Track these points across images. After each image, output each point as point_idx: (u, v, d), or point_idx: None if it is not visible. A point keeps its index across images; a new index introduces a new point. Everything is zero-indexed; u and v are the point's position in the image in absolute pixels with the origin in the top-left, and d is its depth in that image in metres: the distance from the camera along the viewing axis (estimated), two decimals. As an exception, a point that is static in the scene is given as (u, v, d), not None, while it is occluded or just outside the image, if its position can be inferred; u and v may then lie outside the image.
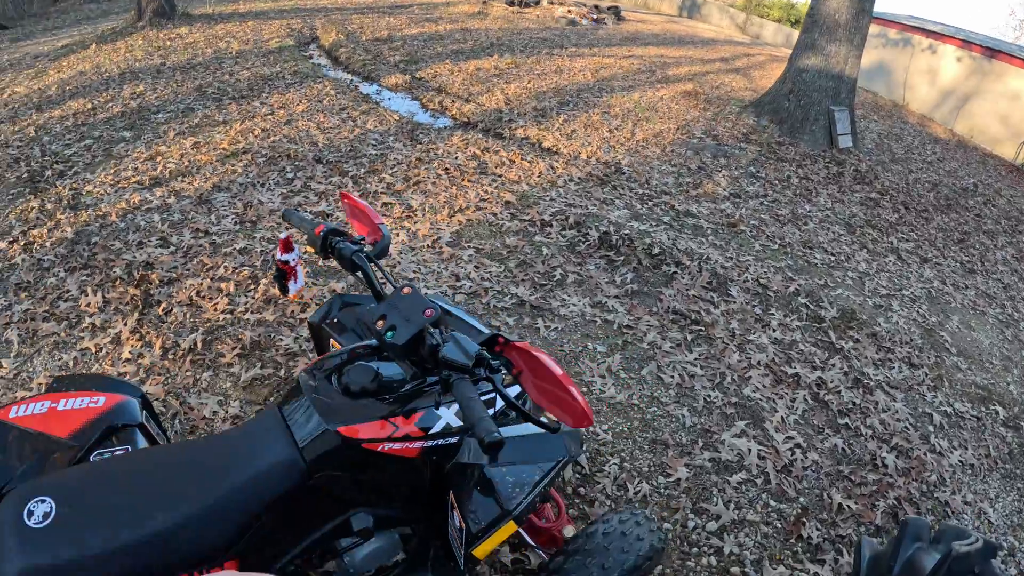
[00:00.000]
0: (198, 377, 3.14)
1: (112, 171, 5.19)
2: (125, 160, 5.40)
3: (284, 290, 1.78)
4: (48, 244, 4.15)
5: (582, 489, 2.71)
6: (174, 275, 3.83)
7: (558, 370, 1.13)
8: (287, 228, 1.77)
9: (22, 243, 4.16)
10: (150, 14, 9.97)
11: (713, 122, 8.13)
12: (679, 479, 2.82)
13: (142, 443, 1.51)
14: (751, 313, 4.06)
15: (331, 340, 1.79)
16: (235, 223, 4.41)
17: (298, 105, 6.95)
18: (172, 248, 4.10)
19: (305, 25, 11.20)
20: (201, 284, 3.74)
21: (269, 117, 6.53)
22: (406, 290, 1.36)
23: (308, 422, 1.31)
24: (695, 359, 3.57)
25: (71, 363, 3.25)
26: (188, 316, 3.52)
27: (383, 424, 1.35)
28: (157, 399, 2.99)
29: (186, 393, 3.03)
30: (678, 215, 5.30)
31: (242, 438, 1.34)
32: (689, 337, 3.74)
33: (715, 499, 2.76)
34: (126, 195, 4.77)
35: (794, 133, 7.96)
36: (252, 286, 3.77)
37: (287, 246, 1.73)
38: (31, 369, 3.25)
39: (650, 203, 5.44)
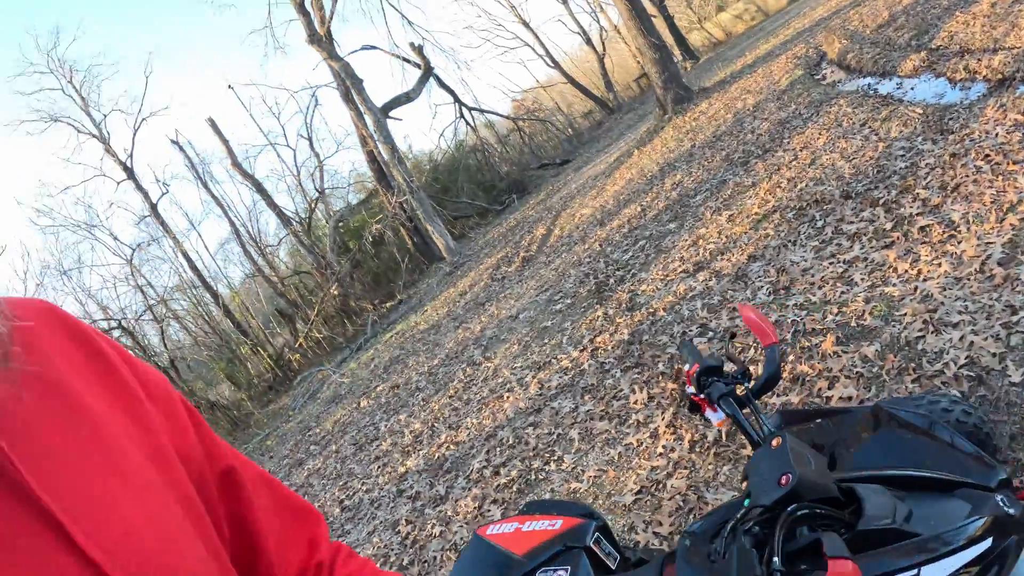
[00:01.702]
0: (718, 471, 3.10)
1: (661, 266, 5.67)
2: (672, 252, 5.85)
3: (706, 420, 1.61)
4: (609, 348, 4.71)
5: None
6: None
7: None
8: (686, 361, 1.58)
9: (590, 350, 4.81)
10: (671, 104, 10.90)
11: None
12: None
13: (584, 564, 1.60)
14: None
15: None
16: (768, 293, 4.27)
17: (819, 139, 6.51)
18: (709, 335, 4.16)
19: (808, 46, 10.65)
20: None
21: (793, 164, 6.27)
22: (775, 441, 1.05)
23: None
24: None
25: (616, 457, 3.56)
26: (724, 406, 3.47)
27: None
28: (678, 493, 3.00)
29: (704, 487, 3.04)
30: None
31: None
32: None
33: None
34: (673, 286, 5.11)
35: None
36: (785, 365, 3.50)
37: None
38: (585, 463, 3.66)
39: None
